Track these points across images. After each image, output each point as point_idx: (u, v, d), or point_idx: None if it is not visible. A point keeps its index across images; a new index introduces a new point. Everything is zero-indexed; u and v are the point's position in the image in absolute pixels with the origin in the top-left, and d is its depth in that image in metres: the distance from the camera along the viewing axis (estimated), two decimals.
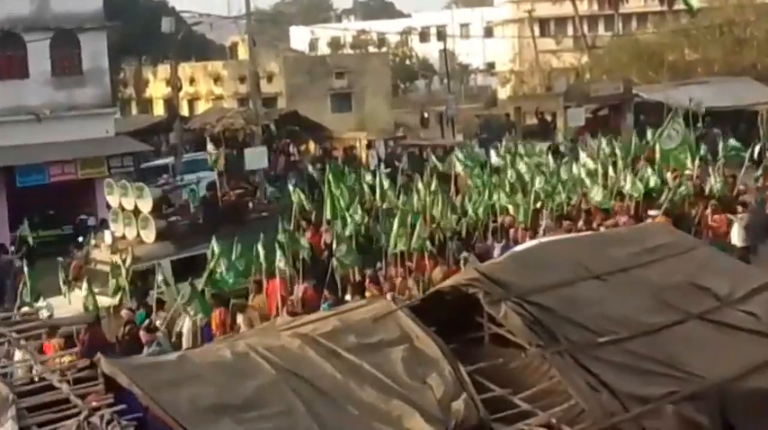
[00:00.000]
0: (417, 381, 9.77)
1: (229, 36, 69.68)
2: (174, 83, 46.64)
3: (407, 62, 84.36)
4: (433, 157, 35.00)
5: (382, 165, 35.80)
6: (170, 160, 42.22)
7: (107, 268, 21.54)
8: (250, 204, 28.18)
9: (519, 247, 13.66)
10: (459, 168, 29.82)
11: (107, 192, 24.55)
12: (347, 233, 22.26)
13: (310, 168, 35.29)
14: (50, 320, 14.90)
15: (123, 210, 23.79)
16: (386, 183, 25.29)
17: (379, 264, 21.03)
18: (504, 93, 73.51)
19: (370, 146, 46.26)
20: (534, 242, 13.19)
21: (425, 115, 61.39)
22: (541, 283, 10.90)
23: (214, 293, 19.09)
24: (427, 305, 11.29)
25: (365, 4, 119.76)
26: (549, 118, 52.66)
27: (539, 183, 25.17)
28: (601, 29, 75.65)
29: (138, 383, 9.00)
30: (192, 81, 59.03)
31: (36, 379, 9.32)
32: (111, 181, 24.90)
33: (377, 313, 10.82)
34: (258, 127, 40.79)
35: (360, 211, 23.55)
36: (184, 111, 53.89)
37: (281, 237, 20.58)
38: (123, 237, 23.54)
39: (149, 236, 23.03)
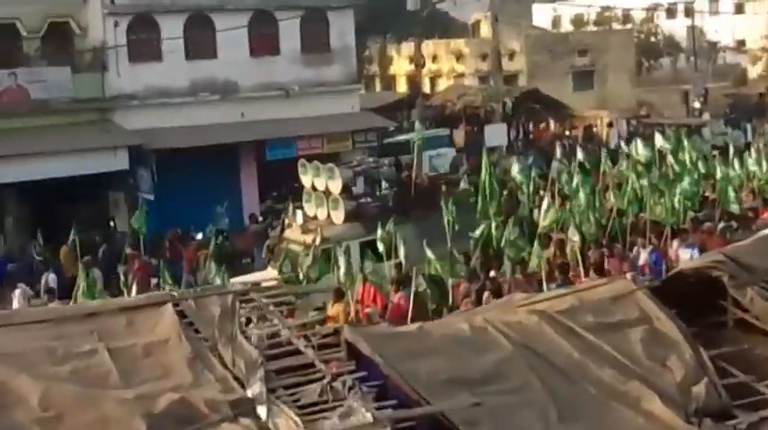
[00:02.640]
0: (657, 364, 9.61)
1: (472, 13, 69.72)
2: (417, 60, 47.18)
3: (652, 39, 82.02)
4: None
5: (623, 144, 35.10)
6: (411, 136, 42.77)
7: (299, 247, 21.85)
8: (443, 187, 27.82)
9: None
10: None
11: (300, 172, 24.73)
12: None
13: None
14: (296, 287, 15.45)
15: (315, 190, 24.00)
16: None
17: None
18: (754, 71, 70.56)
19: (611, 125, 45.42)
20: None
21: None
22: None
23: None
24: (668, 286, 11.07)
25: None
26: None
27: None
28: None
29: (380, 352, 9.24)
30: (434, 58, 59.48)
31: (284, 343, 9.70)
32: (305, 161, 25.04)
33: (616, 293, 10.70)
34: (499, 104, 40.72)
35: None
36: (426, 88, 54.42)
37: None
38: (315, 217, 23.74)
39: (339, 217, 23.12)
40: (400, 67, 61.17)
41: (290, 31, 35.31)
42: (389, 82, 62.03)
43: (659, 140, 27.15)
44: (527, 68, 55.26)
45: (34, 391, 8.36)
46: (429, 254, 19.12)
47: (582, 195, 22.37)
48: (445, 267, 18.95)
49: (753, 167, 25.38)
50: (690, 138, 34.89)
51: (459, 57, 59.26)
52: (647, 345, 9.82)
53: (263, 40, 35.12)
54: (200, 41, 34.10)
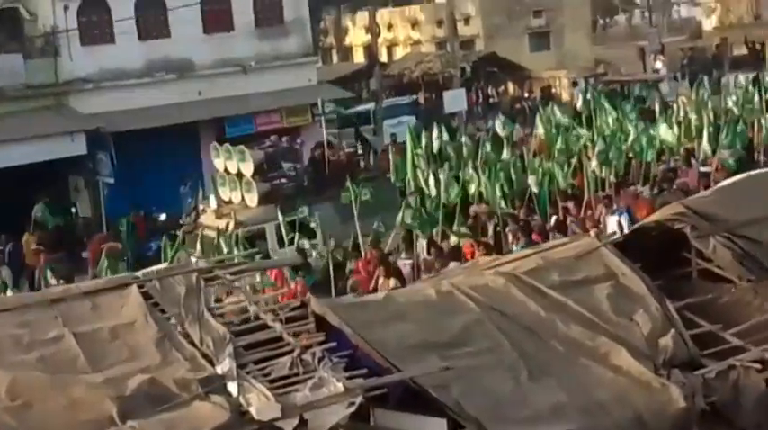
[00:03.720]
0: (624, 318, 9.69)
1: None
2: (372, 29, 47.02)
3: None
4: (637, 89, 33.89)
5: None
6: (371, 106, 42.76)
7: (213, 233, 20.98)
8: (361, 163, 27.47)
9: (728, 180, 13.26)
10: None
11: (213, 155, 24.19)
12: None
13: None
14: (261, 262, 15.37)
15: (228, 173, 23.43)
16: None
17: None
18: (709, 24, 70.81)
19: (576, 83, 45.43)
20: (743, 175, 12.76)
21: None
22: (751, 216, 10.59)
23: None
24: (631, 241, 11.14)
25: None
26: (758, 47, 50.54)
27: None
28: None
29: (348, 322, 9.26)
30: (390, 27, 59.36)
31: (251, 319, 9.68)
32: (216, 144, 24.50)
33: (580, 250, 10.75)
34: (457, 70, 40.71)
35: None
36: (383, 58, 54.32)
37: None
38: (230, 201, 23.22)
39: (252, 200, 22.59)
40: (356, 37, 60.98)
41: (243, 5, 35.06)
42: (346, 53, 61.83)
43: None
44: (483, 32, 55.19)
45: (2, 381, 8.30)
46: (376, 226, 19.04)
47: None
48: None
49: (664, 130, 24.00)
50: (649, 93, 35.08)
51: (414, 24, 59.16)
52: (614, 301, 9.89)
53: (217, 16, 34.82)
54: (152, 21, 33.76)
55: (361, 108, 43.34)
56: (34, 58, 31.86)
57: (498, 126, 25.90)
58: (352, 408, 8.11)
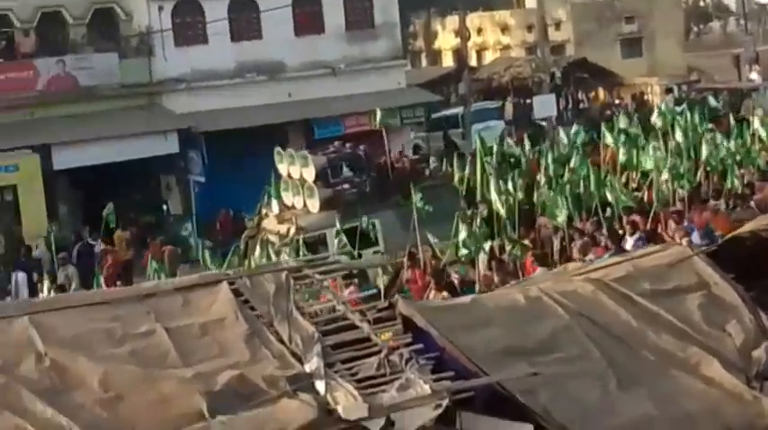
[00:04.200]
0: (716, 329, 9.52)
1: None
2: (462, 33, 46.97)
3: (701, 3, 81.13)
4: (711, 99, 32.98)
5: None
6: (459, 110, 42.72)
7: (274, 238, 21.18)
8: (426, 171, 26.97)
9: None
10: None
11: (277, 160, 24.09)
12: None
13: None
14: (351, 263, 15.42)
15: (291, 178, 23.37)
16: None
17: None
18: None
19: (669, 91, 44.76)
20: None
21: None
22: None
23: None
24: (725, 251, 10.95)
25: None
26: None
27: None
28: None
29: (435, 324, 9.24)
30: (479, 31, 59.22)
31: (339, 318, 9.71)
32: (280, 149, 24.41)
33: (672, 259, 10.59)
34: (547, 75, 40.50)
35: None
36: (472, 62, 54.23)
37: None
38: (293, 206, 23.13)
39: (314, 205, 22.46)
40: (446, 41, 60.96)
41: (333, 8, 35.35)
42: (435, 57, 61.84)
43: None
44: (574, 37, 54.82)
45: (94, 373, 8.43)
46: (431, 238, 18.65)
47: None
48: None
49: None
50: (742, 102, 34.28)
51: (504, 29, 58.93)
52: (706, 311, 9.72)
53: (308, 19, 35.16)
54: (244, 22, 34.23)
55: (449, 112, 43.33)
56: (129, 58, 32.52)
57: (563, 134, 25.33)
58: (439, 411, 8.08)
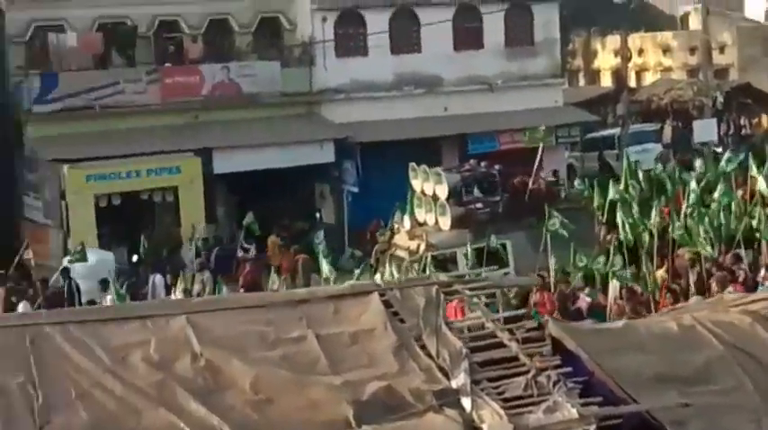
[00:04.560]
0: None
1: (681, 5, 67.97)
2: (623, 53, 46.32)
3: None
4: None
5: None
6: (616, 131, 42.12)
7: (404, 253, 21.28)
8: (562, 194, 26.53)
9: None
10: None
11: (411, 176, 23.99)
12: None
13: None
14: (500, 280, 15.34)
15: (425, 195, 23.23)
16: None
17: None
18: None
19: None
20: None
21: None
22: None
23: None
24: None
25: None
26: None
27: None
28: None
29: (585, 348, 9.15)
30: (640, 52, 58.24)
31: (487, 336, 9.70)
32: (414, 165, 24.28)
33: None
34: (709, 99, 39.59)
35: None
36: (631, 83, 53.42)
37: None
38: (425, 223, 22.99)
39: (445, 223, 22.27)
40: (605, 60, 60.16)
41: (494, 24, 35.31)
42: (593, 76, 61.12)
43: None
44: (738, 62, 53.41)
45: (247, 375, 8.63)
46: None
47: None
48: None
49: None
50: None
51: (666, 50, 57.83)
52: None
53: (467, 34, 35.22)
54: (405, 36, 34.52)
55: (605, 132, 42.76)
56: (290, 67, 33.11)
57: (699, 164, 24.51)
58: None
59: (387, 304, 10.01)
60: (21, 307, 20.43)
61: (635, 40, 56.89)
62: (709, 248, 18.23)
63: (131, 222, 29.30)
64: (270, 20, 33.48)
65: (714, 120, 41.19)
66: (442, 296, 10.04)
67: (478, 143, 34.30)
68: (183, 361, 8.77)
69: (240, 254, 26.24)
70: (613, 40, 55.86)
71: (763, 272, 17.75)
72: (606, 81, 58.26)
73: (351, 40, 33.94)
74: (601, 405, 8.40)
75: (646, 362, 9.12)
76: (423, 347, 9.37)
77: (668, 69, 56.93)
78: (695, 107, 45.99)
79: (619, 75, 49.85)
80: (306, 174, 31.83)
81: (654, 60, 58.38)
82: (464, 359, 8.99)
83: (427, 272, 17.65)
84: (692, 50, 53.56)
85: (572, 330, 9.69)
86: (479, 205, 24.08)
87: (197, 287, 22.81)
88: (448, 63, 34.81)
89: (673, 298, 15.87)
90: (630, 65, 53.71)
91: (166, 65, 31.95)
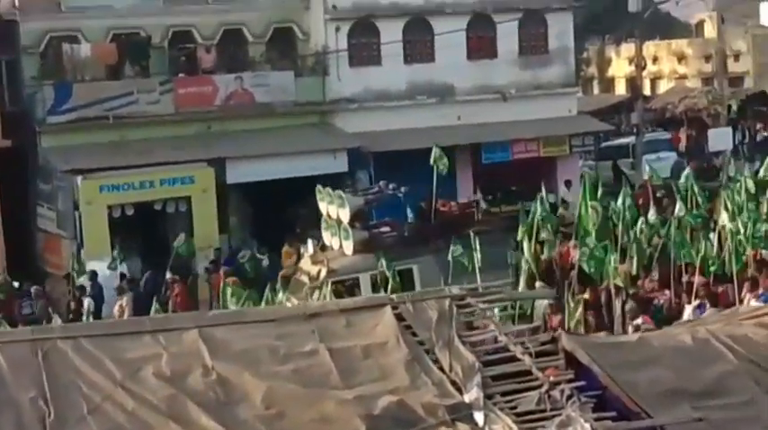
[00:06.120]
0: None
1: (696, 13, 67.83)
2: (637, 61, 46.20)
3: None
4: None
5: None
6: (630, 140, 42.03)
7: (306, 279, 20.74)
8: (477, 216, 25.97)
9: None
10: None
11: (318, 198, 23.22)
12: None
13: None
14: (514, 293, 15.32)
15: (330, 218, 22.48)
16: None
17: None
18: None
19: None
20: None
21: None
22: None
23: None
24: None
25: None
26: None
27: None
28: None
29: (598, 361, 9.10)
30: (655, 60, 58.15)
31: (500, 350, 9.66)
32: (320, 187, 23.56)
33: None
34: (723, 107, 39.46)
35: None
36: (646, 91, 53.31)
37: None
38: (331, 247, 22.21)
39: (348, 248, 21.48)
40: (619, 68, 60.05)
41: (507, 33, 35.19)
42: (608, 84, 61.02)
43: None
44: (754, 69, 53.28)
45: (258, 389, 8.62)
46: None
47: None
48: None
49: None
50: None
51: (681, 58, 57.72)
52: None
53: (481, 43, 35.14)
54: (418, 45, 34.46)
55: (620, 141, 42.67)
56: (304, 77, 33.10)
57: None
58: None
59: (399, 317, 9.99)
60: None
61: (649, 47, 56.74)
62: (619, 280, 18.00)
63: (144, 233, 29.30)
64: (283, 30, 33.48)
65: (729, 129, 41.13)
66: (455, 309, 10.02)
67: (492, 152, 34.25)
68: (194, 375, 8.77)
69: (169, 276, 25.23)
70: (628, 48, 55.72)
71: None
72: (621, 89, 58.16)
73: (364, 49, 33.91)
74: (614, 419, 8.37)
75: (659, 375, 9.08)
76: (435, 361, 9.36)
77: (683, 77, 56.82)
78: (710, 115, 45.90)
79: (633, 83, 49.74)
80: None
81: (668, 68, 58.27)
82: (477, 373, 8.97)
83: (327, 298, 17.28)
84: (707, 58, 53.47)
85: (585, 344, 9.65)
86: (386, 229, 23.18)
87: (116, 310, 22.72)
88: (461, 72, 34.73)
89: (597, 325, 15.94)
90: (645, 73, 53.56)
91: (180, 75, 31.95)
